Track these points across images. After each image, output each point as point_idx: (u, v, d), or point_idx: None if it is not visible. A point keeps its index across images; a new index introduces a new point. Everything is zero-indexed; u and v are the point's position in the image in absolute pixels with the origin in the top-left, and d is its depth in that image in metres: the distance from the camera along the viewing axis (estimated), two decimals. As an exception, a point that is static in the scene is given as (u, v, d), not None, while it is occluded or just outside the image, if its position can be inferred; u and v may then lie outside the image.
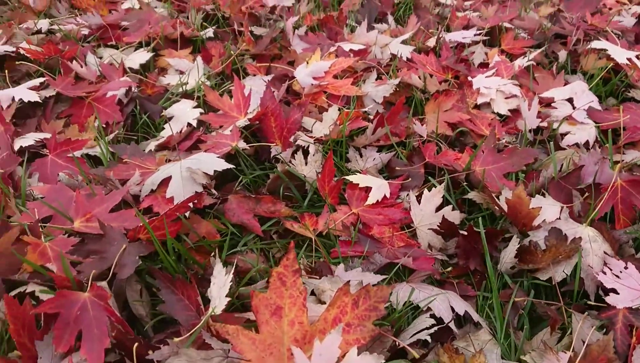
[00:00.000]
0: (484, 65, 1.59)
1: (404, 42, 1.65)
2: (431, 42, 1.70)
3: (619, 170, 1.03)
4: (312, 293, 0.83)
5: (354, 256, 0.96)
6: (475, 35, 1.70)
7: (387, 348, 0.74)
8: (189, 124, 1.27)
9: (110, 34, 1.67)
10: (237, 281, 0.87)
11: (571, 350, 0.74)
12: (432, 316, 0.82)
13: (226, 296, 0.73)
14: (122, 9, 1.86)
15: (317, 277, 0.85)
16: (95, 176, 1.08)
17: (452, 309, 0.85)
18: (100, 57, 1.56)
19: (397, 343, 0.74)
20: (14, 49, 1.48)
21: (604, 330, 0.80)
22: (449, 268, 0.96)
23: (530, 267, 0.90)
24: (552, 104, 1.37)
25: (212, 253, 0.91)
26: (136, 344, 0.68)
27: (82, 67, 1.44)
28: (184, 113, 1.31)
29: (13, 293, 0.76)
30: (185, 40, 1.66)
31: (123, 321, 0.71)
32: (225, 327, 0.68)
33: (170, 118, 1.31)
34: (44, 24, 1.69)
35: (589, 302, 0.85)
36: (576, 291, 0.87)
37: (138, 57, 1.53)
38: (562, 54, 1.63)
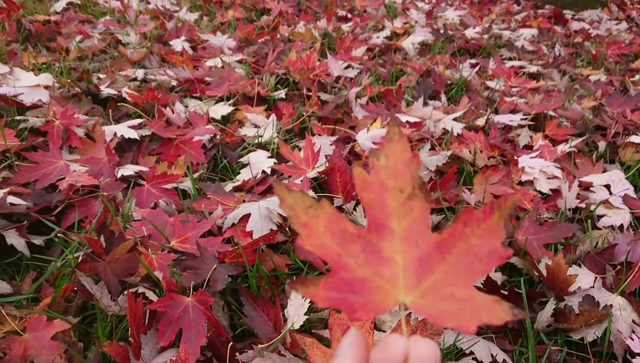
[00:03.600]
0: (529, 147, 1.74)
1: (455, 119, 1.82)
2: (480, 122, 1.87)
3: (649, 251, 1.14)
4: (375, 327, 0.96)
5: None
6: (521, 119, 1.86)
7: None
8: (264, 171, 1.44)
9: (197, 86, 1.90)
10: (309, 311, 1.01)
11: (599, 399, 0.85)
12: (474, 359, 0.94)
13: (305, 319, 0.86)
14: (206, 66, 2.10)
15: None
16: (185, 206, 1.25)
17: (492, 355, 0.96)
18: (186, 106, 1.78)
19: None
20: (117, 92, 1.72)
21: (629, 388, 0.90)
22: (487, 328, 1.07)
23: (565, 327, 1.01)
24: (591, 188, 1.50)
25: (288, 280, 1.06)
26: (230, 343, 0.82)
27: (172, 113, 1.65)
28: (259, 161, 1.49)
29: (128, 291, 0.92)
30: (260, 99, 1.88)
31: (218, 324, 0.86)
32: (304, 338, 0.82)
33: (246, 164, 1.49)
34: (140, 73, 1.94)
35: (616, 363, 0.95)
36: (605, 352, 0.97)
37: (220, 109, 1.74)
38: (602, 145, 1.77)
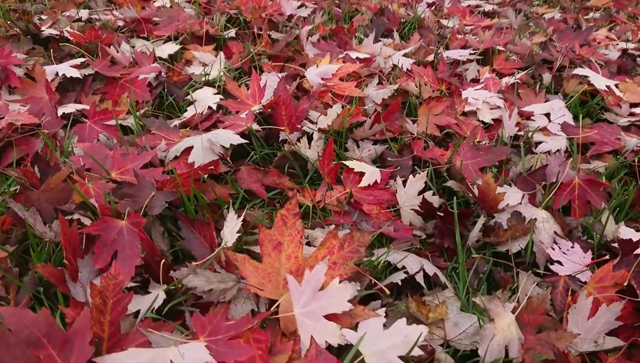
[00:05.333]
0: (476, 81, 1.77)
1: (405, 55, 1.83)
2: (430, 58, 1.89)
3: (578, 171, 1.20)
4: (307, 243, 1.00)
5: (344, 224, 1.13)
6: (470, 54, 1.88)
7: (364, 286, 0.90)
8: (210, 108, 1.44)
9: (143, 27, 1.85)
10: (244, 233, 1.03)
11: (515, 301, 0.90)
12: (406, 272, 0.98)
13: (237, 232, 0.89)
14: (154, 6, 2.05)
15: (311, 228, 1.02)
16: (128, 142, 1.25)
17: (424, 270, 1.01)
18: (133, 47, 1.75)
19: (371, 282, 0.90)
20: (58, 32, 1.67)
21: (547, 289, 0.96)
22: (425, 239, 1.12)
23: (492, 241, 1.06)
24: (531, 118, 1.54)
25: (225, 206, 1.08)
26: (163, 261, 0.84)
27: (117, 52, 1.62)
28: (205, 98, 1.48)
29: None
30: (210, 38, 1.85)
31: (152, 244, 0.88)
32: (235, 255, 0.85)
33: (193, 101, 1.49)
34: (84, 13, 1.88)
35: (537, 271, 1.01)
36: (528, 261, 1.03)
37: (167, 48, 1.71)
38: (547, 77, 1.81)
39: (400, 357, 0.77)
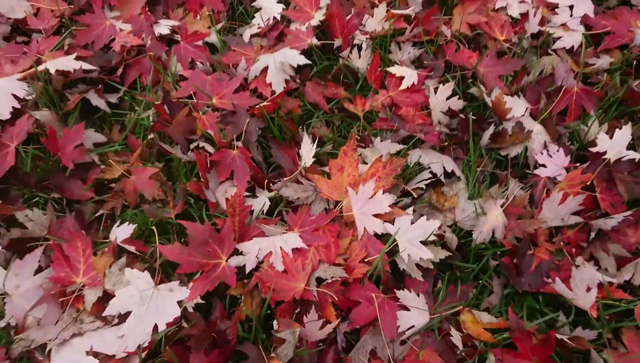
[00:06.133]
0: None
1: None
2: None
3: (577, 80, 1.48)
4: (363, 162, 1.40)
5: (387, 130, 1.50)
6: None
7: (399, 191, 1.33)
8: (274, 18, 1.71)
9: None
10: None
11: (505, 198, 1.31)
12: (431, 172, 1.39)
13: (312, 157, 1.30)
14: None
15: (364, 146, 1.41)
16: (216, 61, 1.60)
17: (444, 168, 1.40)
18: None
19: (404, 188, 1.32)
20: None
21: (529, 189, 1.36)
22: (450, 140, 1.49)
23: (498, 146, 1.43)
24: (556, 10, 1.73)
25: (300, 126, 1.47)
26: (266, 180, 1.28)
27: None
28: (269, 6, 1.74)
29: (192, 146, 1.36)
30: None
31: (256, 167, 1.31)
32: (313, 175, 1.27)
33: (259, 9, 1.75)
34: None
35: (528, 171, 1.39)
36: (521, 163, 1.41)
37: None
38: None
39: (422, 242, 1.22)
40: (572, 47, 1.65)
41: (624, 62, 1.61)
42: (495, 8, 1.75)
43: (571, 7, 1.73)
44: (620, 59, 1.62)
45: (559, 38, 1.67)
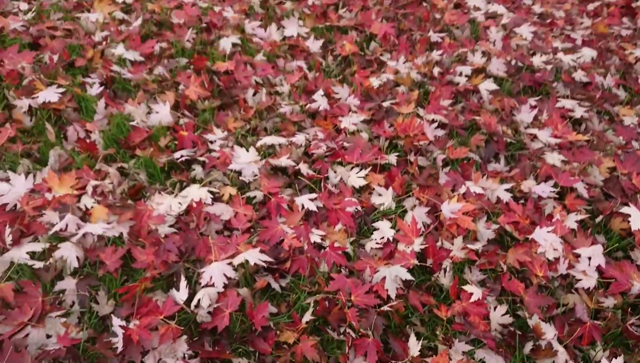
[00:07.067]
0: (550, 216, 2.76)
1: (507, 189, 2.84)
2: (525, 186, 2.88)
3: (590, 314, 2.26)
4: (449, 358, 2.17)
5: (461, 332, 2.27)
6: (550, 191, 2.85)
7: (470, 379, 2.07)
8: (387, 238, 2.58)
9: (338, 151, 2.98)
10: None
11: (538, 395, 2.04)
12: None
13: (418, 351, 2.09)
14: (342, 126, 3.16)
15: (449, 345, 2.18)
16: (350, 267, 2.45)
17: (498, 366, 2.15)
18: (335, 171, 2.89)
19: (474, 379, 2.08)
20: (293, 164, 2.84)
21: None
22: (502, 345, 2.26)
23: (535, 357, 2.18)
24: (579, 258, 2.55)
25: (405, 319, 2.27)
26: None
27: (333, 187, 2.78)
28: (385, 228, 2.62)
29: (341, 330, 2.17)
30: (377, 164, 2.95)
31: (382, 351, 2.10)
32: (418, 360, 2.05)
33: (377, 229, 2.64)
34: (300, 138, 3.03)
35: None
36: None
37: (356, 179, 2.84)
38: (599, 218, 2.76)
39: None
40: (589, 288, 2.44)
41: (624, 304, 2.39)
42: (537, 252, 2.58)
43: (589, 258, 2.55)
44: (621, 302, 2.39)
45: (579, 280, 2.47)
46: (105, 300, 2.26)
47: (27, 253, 2.35)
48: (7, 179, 2.65)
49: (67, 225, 2.47)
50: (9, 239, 2.39)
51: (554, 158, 3.09)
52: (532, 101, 3.58)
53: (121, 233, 2.50)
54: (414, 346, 2.11)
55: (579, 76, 3.86)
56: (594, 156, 3.15)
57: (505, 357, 2.20)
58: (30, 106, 3.10)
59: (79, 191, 2.66)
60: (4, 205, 2.57)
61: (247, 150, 2.91)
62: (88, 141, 2.92)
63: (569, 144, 3.26)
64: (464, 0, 4.59)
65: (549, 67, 3.90)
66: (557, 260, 2.57)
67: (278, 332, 2.21)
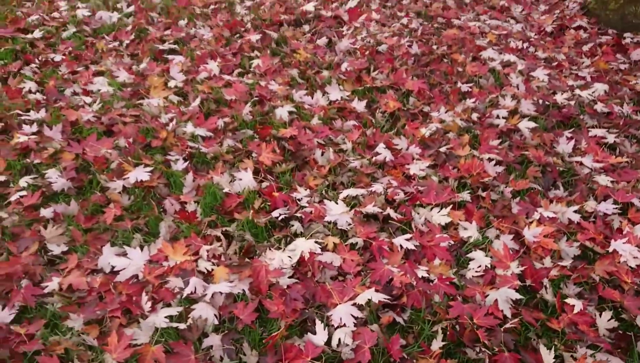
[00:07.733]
0: (620, 230, 3.06)
1: (575, 211, 3.15)
2: (588, 206, 3.18)
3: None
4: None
5: (576, 340, 2.49)
6: (613, 208, 3.17)
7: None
8: (486, 266, 2.83)
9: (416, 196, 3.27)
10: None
11: None
12: None
13: None
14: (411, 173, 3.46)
15: (574, 351, 2.40)
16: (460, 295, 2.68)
17: (620, 365, 2.37)
18: (417, 213, 3.16)
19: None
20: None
21: None
22: (614, 347, 2.48)
23: None
24: (658, 263, 2.83)
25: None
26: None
27: (421, 226, 3.04)
28: (480, 258, 2.87)
29: None
30: (450, 201, 3.23)
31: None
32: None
33: (472, 259, 2.89)
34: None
35: None
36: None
37: (439, 217, 3.12)
38: (663, 225, 3.07)
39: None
40: (673, 290, 2.71)
41: None
42: (620, 261, 2.86)
43: (665, 263, 2.84)
44: None
45: (663, 282, 2.74)
46: (249, 351, 2.43)
47: (166, 317, 2.52)
48: (125, 254, 2.84)
49: (195, 288, 2.65)
50: (147, 306, 2.57)
51: (604, 180, 3.43)
52: (567, 133, 3.97)
53: (243, 289, 2.69)
54: (546, 355, 2.32)
55: (599, 107, 4.29)
56: (638, 175, 3.50)
57: (620, 357, 2.42)
58: (124, 187, 3.33)
59: (193, 257, 2.86)
60: (128, 278, 2.75)
61: (336, 203, 3.17)
62: (187, 211, 3.15)
63: (611, 166, 3.62)
64: (478, 54, 5.06)
65: (572, 102, 4.33)
66: (638, 266, 2.84)
67: (415, 361, 2.40)
